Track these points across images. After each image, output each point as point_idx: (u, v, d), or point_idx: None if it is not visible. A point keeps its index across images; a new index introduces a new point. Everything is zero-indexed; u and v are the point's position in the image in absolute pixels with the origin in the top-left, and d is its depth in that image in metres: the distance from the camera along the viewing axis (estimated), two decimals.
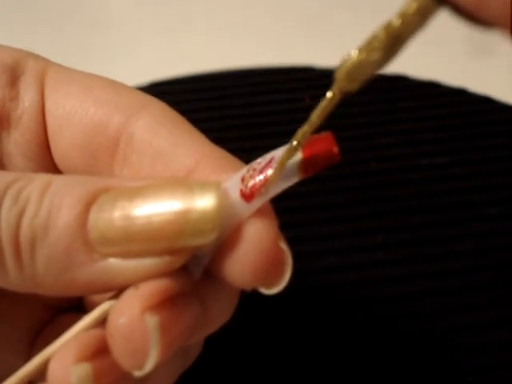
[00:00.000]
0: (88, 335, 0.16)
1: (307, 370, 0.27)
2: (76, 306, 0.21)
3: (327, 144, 0.16)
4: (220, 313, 0.18)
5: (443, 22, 0.49)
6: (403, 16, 0.13)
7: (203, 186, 0.16)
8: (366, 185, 0.35)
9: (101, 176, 0.19)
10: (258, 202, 0.16)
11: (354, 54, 0.14)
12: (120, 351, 0.15)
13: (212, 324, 0.18)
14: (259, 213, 0.16)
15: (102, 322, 0.16)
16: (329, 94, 0.15)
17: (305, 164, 0.16)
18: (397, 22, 0.13)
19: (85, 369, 0.15)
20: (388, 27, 0.13)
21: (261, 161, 0.17)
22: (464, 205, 0.34)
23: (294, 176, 0.16)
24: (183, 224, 0.15)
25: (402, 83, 0.41)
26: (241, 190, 0.16)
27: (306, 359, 0.28)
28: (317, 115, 0.15)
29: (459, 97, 0.40)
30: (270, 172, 0.16)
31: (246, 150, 0.37)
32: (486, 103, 0.40)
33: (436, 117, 0.39)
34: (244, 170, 0.17)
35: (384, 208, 0.34)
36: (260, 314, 0.27)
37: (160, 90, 0.41)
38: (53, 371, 0.16)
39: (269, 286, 0.17)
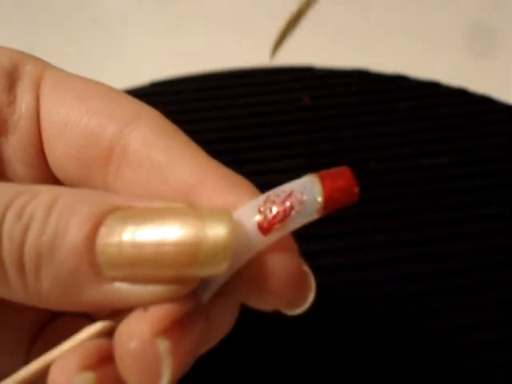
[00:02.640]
0: (91, 344, 0.16)
1: (307, 370, 0.27)
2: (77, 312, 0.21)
3: (348, 185, 0.16)
4: (223, 326, 0.18)
5: (443, 21, 0.49)
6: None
7: (215, 215, 0.16)
8: (366, 185, 0.35)
9: (95, 186, 0.19)
10: (275, 236, 0.16)
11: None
12: (131, 374, 0.15)
13: (214, 338, 0.18)
14: (281, 241, 0.16)
15: (105, 334, 0.16)
16: None
17: (325, 204, 0.16)
18: None
19: (89, 378, 0.15)
20: None
21: (279, 193, 0.17)
22: (464, 205, 0.34)
23: (312, 214, 0.17)
24: (194, 255, 0.15)
25: (402, 83, 0.41)
26: (258, 223, 0.16)
27: (306, 359, 0.28)
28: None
29: (459, 97, 0.40)
30: (288, 205, 0.16)
31: (245, 149, 0.37)
32: (486, 103, 0.40)
33: (436, 117, 0.39)
34: (260, 199, 0.17)
35: (384, 208, 0.34)
36: (259, 314, 0.27)
37: (160, 90, 0.41)
38: (55, 378, 0.15)
39: (293, 308, 0.17)
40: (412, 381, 0.27)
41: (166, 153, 0.18)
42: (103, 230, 0.16)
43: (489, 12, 0.47)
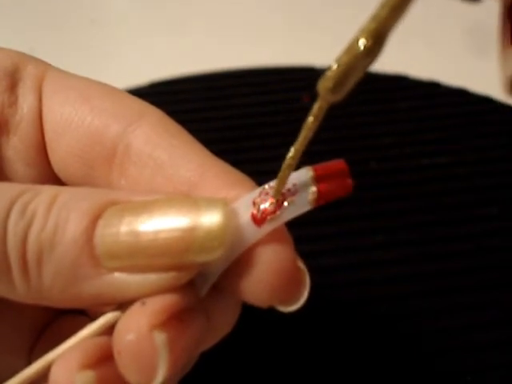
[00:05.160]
0: (92, 342, 0.16)
1: (307, 370, 0.27)
2: (77, 308, 0.21)
3: (342, 176, 0.16)
4: (223, 325, 0.18)
5: (443, 22, 0.49)
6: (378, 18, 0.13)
7: (210, 202, 0.16)
8: (366, 185, 0.35)
9: (98, 186, 0.19)
10: (269, 227, 0.16)
11: (337, 62, 0.13)
12: (128, 368, 0.15)
13: (215, 336, 0.18)
14: (275, 234, 0.16)
15: (106, 331, 0.16)
16: (314, 109, 0.15)
17: (319, 195, 0.16)
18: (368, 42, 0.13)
19: (89, 376, 0.15)
20: (365, 31, 0.13)
21: (273, 185, 0.17)
22: (464, 205, 0.34)
23: (306, 205, 0.16)
24: (189, 241, 0.16)
25: (402, 83, 0.41)
26: (252, 214, 0.16)
27: (306, 359, 0.28)
28: (306, 131, 0.15)
29: (459, 97, 0.40)
30: (281, 196, 0.16)
31: (245, 149, 0.37)
32: (486, 103, 0.40)
33: (436, 117, 0.39)
34: (255, 192, 0.17)
35: (384, 208, 0.34)
36: (258, 314, 0.27)
37: (160, 89, 0.41)
38: (56, 377, 0.16)
39: (287, 304, 0.17)
40: (412, 381, 0.27)
41: (168, 151, 0.18)
42: (101, 223, 0.16)
43: (489, 12, 0.47)
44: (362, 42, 0.13)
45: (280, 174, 0.16)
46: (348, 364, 0.28)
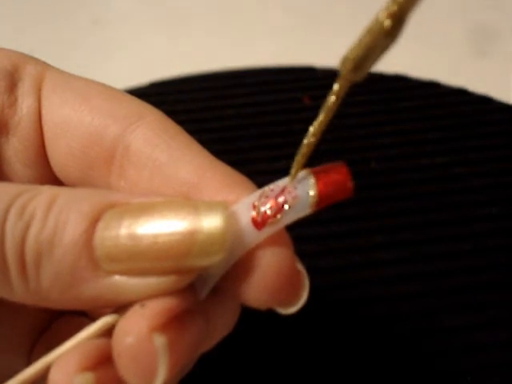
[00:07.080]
0: (91, 344, 0.16)
1: (307, 370, 0.27)
2: (77, 310, 0.21)
3: (343, 180, 0.16)
4: (223, 327, 0.18)
5: (443, 22, 0.49)
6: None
7: (210, 206, 0.16)
8: (366, 185, 0.35)
9: (98, 186, 0.19)
10: (269, 230, 0.16)
11: (358, 42, 0.14)
12: (127, 370, 0.15)
13: (214, 338, 0.18)
14: (275, 236, 0.16)
15: (105, 333, 0.16)
16: (335, 87, 0.15)
17: (319, 199, 0.16)
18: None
19: (88, 378, 0.15)
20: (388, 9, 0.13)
21: (274, 188, 0.17)
22: (464, 205, 0.34)
23: (306, 209, 0.16)
24: (189, 245, 0.15)
25: (402, 83, 0.41)
26: (252, 217, 0.16)
27: (306, 359, 0.28)
28: (326, 111, 0.15)
29: (459, 97, 0.40)
30: (281, 200, 0.16)
31: (245, 149, 0.37)
32: (486, 103, 0.40)
33: (436, 117, 0.39)
34: (256, 195, 0.17)
35: (384, 208, 0.34)
36: (258, 316, 0.27)
37: (160, 90, 0.41)
38: (55, 378, 0.16)
39: (286, 306, 0.17)
40: (412, 381, 0.27)
41: (167, 153, 0.18)
42: (101, 225, 0.16)
43: (489, 12, 0.47)
44: (382, 23, 0.13)
45: (297, 157, 0.16)
46: (348, 364, 0.28)
